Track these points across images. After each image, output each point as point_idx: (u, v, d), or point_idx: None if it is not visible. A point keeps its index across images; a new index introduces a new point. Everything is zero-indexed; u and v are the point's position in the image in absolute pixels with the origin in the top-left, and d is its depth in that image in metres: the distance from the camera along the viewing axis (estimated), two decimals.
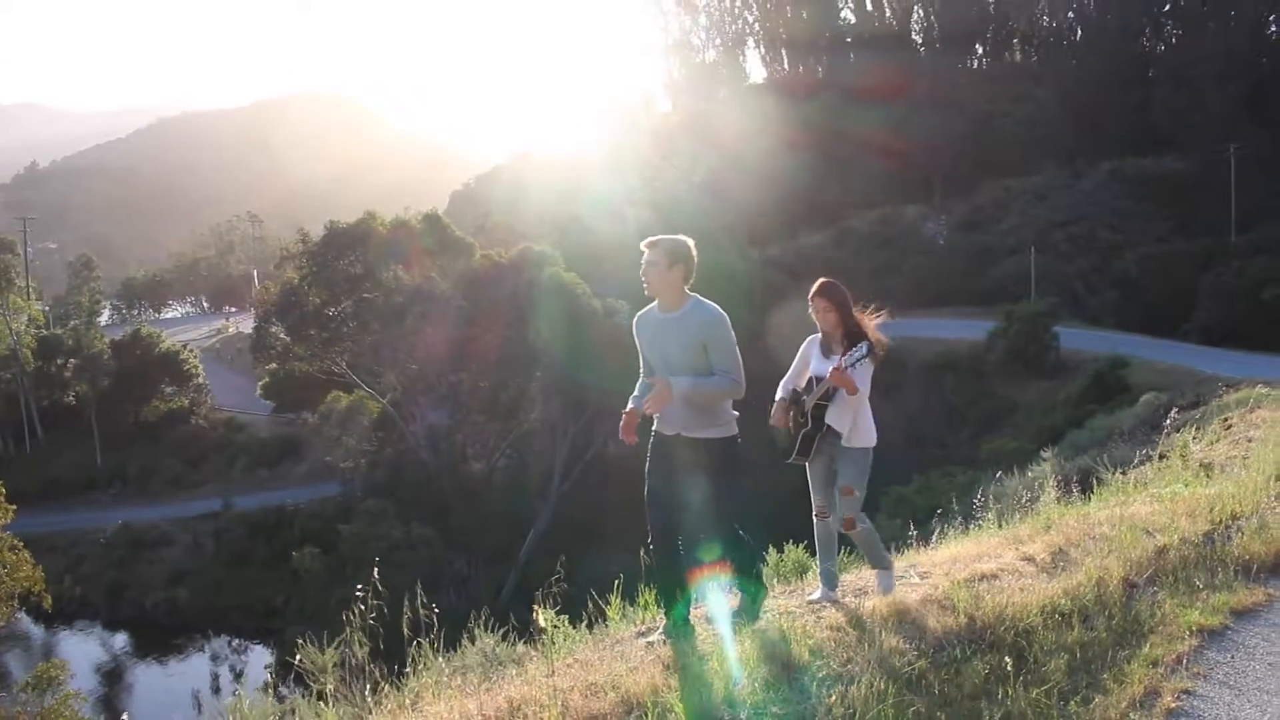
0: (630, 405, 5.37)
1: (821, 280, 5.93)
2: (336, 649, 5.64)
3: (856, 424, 5.71)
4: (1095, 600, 5.47)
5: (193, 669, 40.01)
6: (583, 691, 4.32)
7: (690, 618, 5.30)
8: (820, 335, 5.93)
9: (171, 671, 39.68)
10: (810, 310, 5.89)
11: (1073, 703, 4.32)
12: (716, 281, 47.03)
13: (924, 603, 5.21)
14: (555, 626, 5.38)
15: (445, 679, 4.86)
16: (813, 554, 6.47)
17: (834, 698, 4.01)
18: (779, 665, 4.38)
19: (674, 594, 5.30)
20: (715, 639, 5.01)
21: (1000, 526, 7.96)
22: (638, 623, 5.94)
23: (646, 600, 6.08)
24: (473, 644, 5.80)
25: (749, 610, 5.42)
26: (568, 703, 4.17)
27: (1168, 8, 78.81)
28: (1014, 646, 4.65)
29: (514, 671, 4.79)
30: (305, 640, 5.91)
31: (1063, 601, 5.35)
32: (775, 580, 6.38)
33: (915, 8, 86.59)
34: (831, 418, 5.71)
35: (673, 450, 5.26)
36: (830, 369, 5.64)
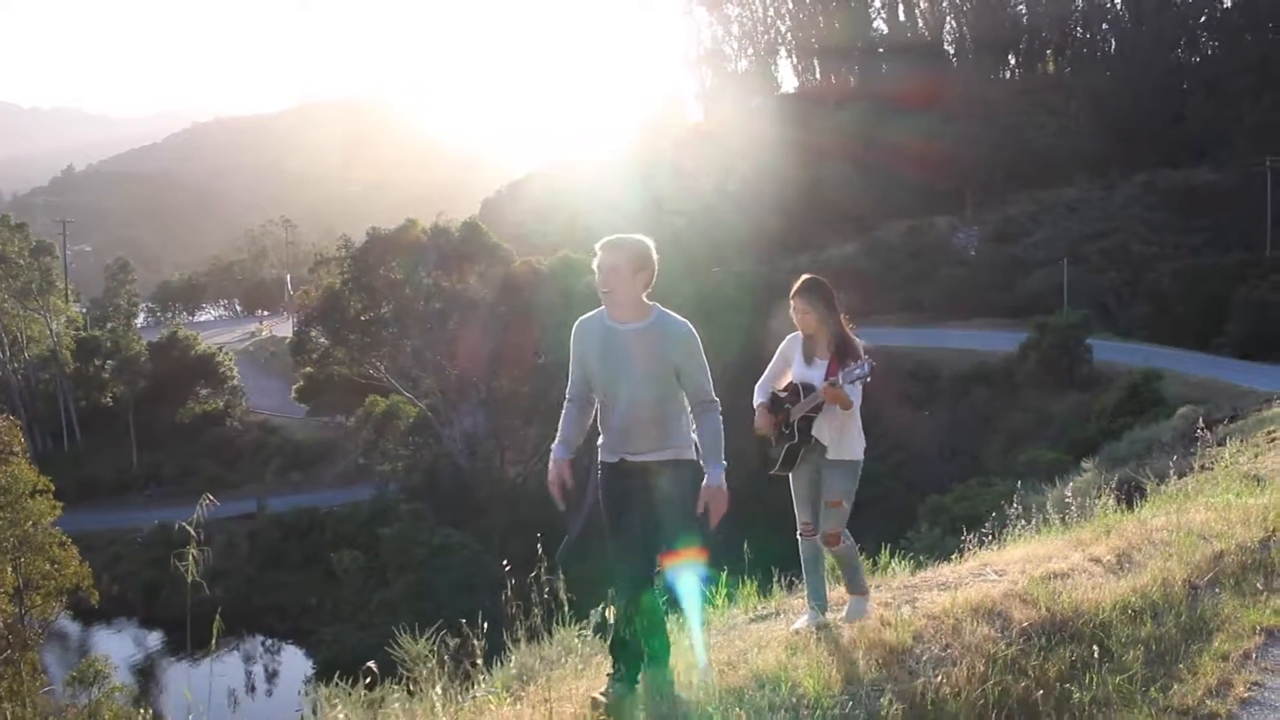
0: (556, 454, 4.59)
1: (804, 277, 5.48)
2: (430, 641, 5.95)
3: (845, 436, 5.36)
4: (1162, 599, 5.72)
5: (227, 669, 40.43)
6: (719, 668, 4.67)
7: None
8: (802, 335, 5.50)
9: (206, 672, 40.05)
10: (791, 310, 5.44)
11: (1153, 689, 4.62)
12: (748, 290, 47.42)
13: (1006, 597, 5.50)
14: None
15: (581, 661, 5.16)
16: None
17: (940, 678, 4.33)
18: (886, 649, 4.72)
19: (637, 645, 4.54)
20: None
21: (1055, 531, 8.23)
22: (746, 609, 6.27)
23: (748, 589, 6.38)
24: (551, 638, 6.08)
25: (659, 685, 4.45)
26: (708, 677, 4.52)
27: (1204, 19, 78.60)
28: (1093, 638, 4.93)
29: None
30: (399, 631, 6.25)
31: (1133, 599, 5.61)
32: (869, 572, 6.68)
33: (948, 18, 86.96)
34: (818, 430, 5.34)
35: (632, 477, 4.58)
36: (823, 384, 5.22)
